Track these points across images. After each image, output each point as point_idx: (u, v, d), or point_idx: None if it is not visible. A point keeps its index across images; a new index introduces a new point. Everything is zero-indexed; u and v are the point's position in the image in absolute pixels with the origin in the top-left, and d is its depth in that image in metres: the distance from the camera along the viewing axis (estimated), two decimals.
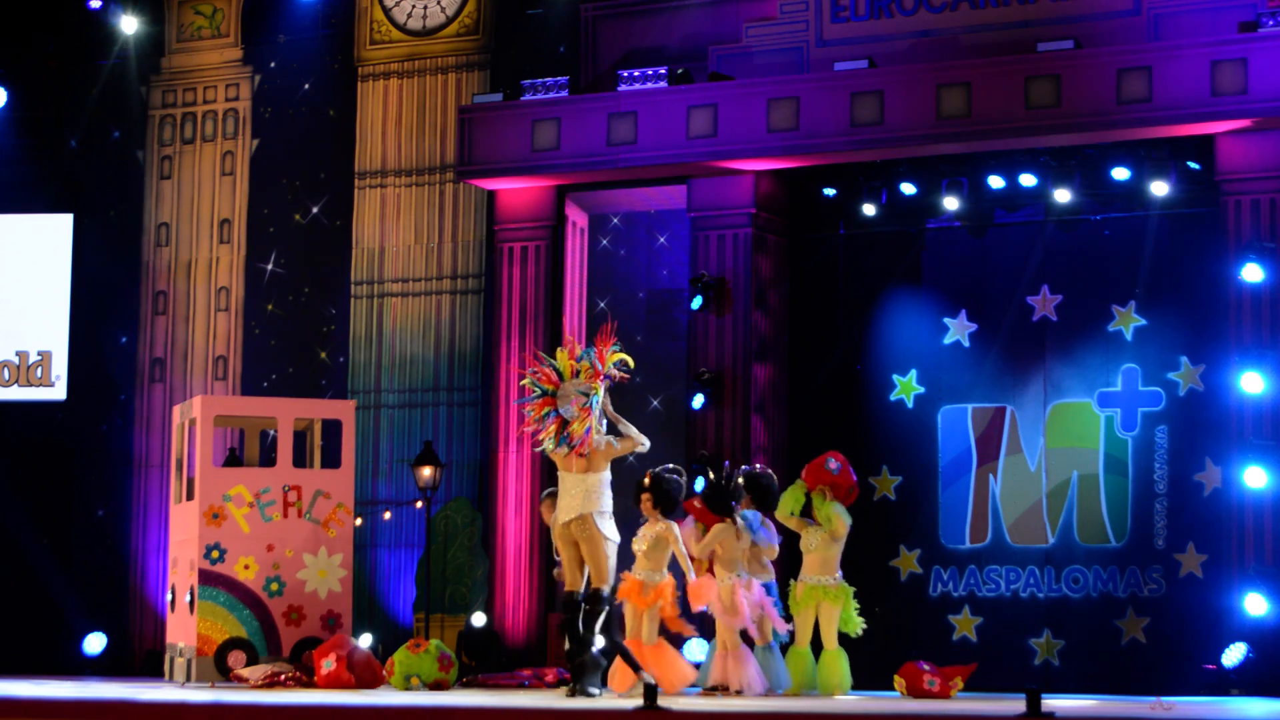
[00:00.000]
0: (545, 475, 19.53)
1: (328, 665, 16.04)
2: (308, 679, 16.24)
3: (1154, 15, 17.91)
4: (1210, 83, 17.20)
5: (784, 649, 15.69)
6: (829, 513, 15.58)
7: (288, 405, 18.02)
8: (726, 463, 16.12)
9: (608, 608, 14.50)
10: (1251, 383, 17.18)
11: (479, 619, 19.45)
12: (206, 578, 16.84)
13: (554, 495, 15.09)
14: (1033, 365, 18.73)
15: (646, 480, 15.03)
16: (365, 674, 16.24)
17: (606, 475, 14.60)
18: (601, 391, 14.54)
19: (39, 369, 22.22)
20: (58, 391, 22.20)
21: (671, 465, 15.31)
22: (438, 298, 21.18)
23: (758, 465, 16.59)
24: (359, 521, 19.16)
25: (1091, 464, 18.35)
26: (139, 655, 21.39)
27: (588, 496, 14.43)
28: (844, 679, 15.50)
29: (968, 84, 18.03)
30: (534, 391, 14.58)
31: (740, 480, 15.57)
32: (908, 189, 18.94)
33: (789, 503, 15.76)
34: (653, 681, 14.06)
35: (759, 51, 19.29)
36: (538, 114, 19.49)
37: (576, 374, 14.56)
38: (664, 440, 19.75)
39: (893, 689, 15.76)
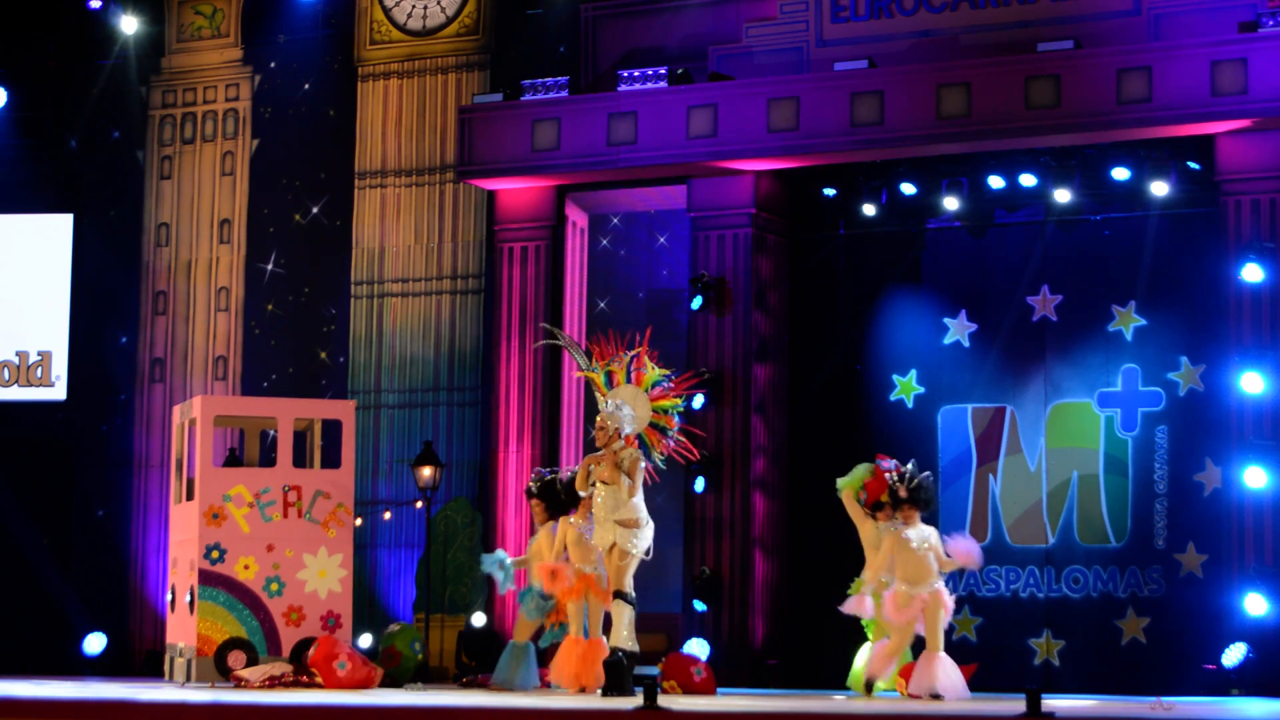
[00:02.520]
0: None
1: (342, 666, 16.02)
2: (309, 680, 16.22)
3: (1154, 15, 17.90)
4: (1210, 83, 17.20)
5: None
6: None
7: (288, 405, 18.00)
8: (910, 464, 15.57)
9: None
10: (1251, 383, 17.18)
11: (479, 619, 19.44)
12: (206, 578, 16.83)
13: None
14: (1033, 365, 18.73)
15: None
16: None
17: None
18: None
19: (39, 369, 22.22)
20: (58, 391, 22.19)
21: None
22: (438, 298, 21.18)
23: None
24: (359, 521, 19.15)
25: (1091, 464, 18.36)
26: (139, 655, 21.39)
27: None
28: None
29: (968, 84, 18.02)
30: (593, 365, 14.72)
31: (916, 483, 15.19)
32: (908, 189, 18.94)
33: (854, 482, 15.57)
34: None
35: (759, 51, 19.29)
36: (538, 114, 19.49)
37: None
38: None
39: (893, 689, 15.75)
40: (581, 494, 15.06)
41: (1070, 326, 18.64)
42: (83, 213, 22.59)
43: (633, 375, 14.68)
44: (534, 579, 16.04)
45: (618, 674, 14.18)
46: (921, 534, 14.97)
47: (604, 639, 15.09)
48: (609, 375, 14.68)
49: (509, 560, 16.70)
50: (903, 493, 14.98)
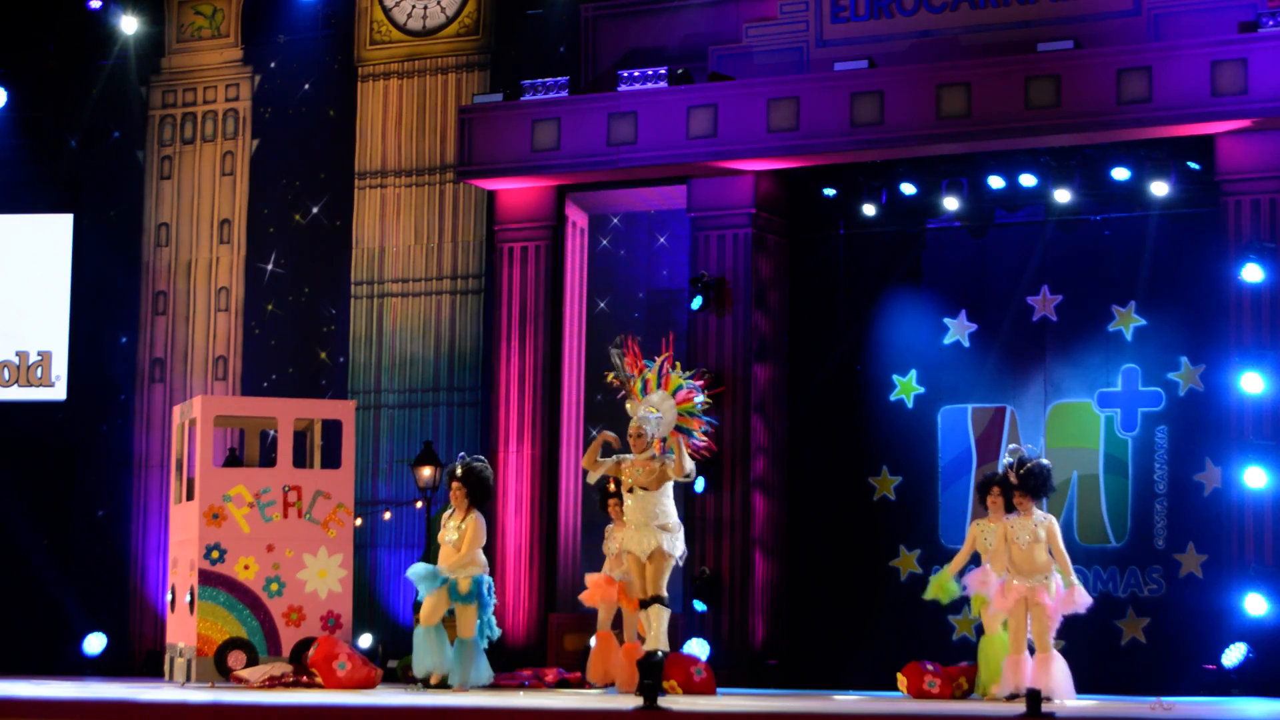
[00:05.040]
0: (545, 476, 19.54)
1: (342, 666, 16.02)
2: (309, 680, 16.22)
3: (1154, 15, 17.90)
4: (1210, 83, 17.20)
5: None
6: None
7: (288, 405, 17.99)
8: (1027, 447, 14.98)
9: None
10: (1251, 383, 17.18)
11: None
12: (206, 578, 16.82)
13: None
14: (1033, 365, 18.73)
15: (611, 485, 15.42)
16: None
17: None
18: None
19: (39, 369, 22.22)
20: (58, 391, 22.19)
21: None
22: (438, 298, 21.18)
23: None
24: (359, 521, 19.15)
25: (1091, 464, 18.35)
26: (139, 655, 21.39)
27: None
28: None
29: (968, 84, 18.02)
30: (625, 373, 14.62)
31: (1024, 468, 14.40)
32: (908, 189, 18.94)
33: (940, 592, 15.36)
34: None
35: (759, 51, 19.29)
36: (538, 114, 19.49)
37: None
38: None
39: (895, 689, 15.77)
40: (591, 473, 14.87)
41: (1070, 326, 18.64)
42: (83, 213, 22.59)
43: (662, 380, 14.69)
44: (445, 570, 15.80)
45: (656, 674, 14.19)
46: (1030, 526, 14.21)
47: (640, 643, 15.15)
48: (644, 382, 14.66)
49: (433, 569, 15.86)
50: (1013, 478, 14.27)
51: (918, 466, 19.10)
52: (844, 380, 19.47)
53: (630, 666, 15.08)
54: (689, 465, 14.37)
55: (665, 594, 14.53)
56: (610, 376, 14.83)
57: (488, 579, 15.73)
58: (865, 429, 19.33)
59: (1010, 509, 14.61)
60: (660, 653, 14.31)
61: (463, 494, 15.62)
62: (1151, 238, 18.32)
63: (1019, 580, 14.16)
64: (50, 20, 22.91)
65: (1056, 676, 14.10)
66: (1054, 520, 14.39)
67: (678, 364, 14.76)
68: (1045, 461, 14.49)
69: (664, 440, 14.54)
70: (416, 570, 15.78)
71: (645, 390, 14.60)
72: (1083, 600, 14.28)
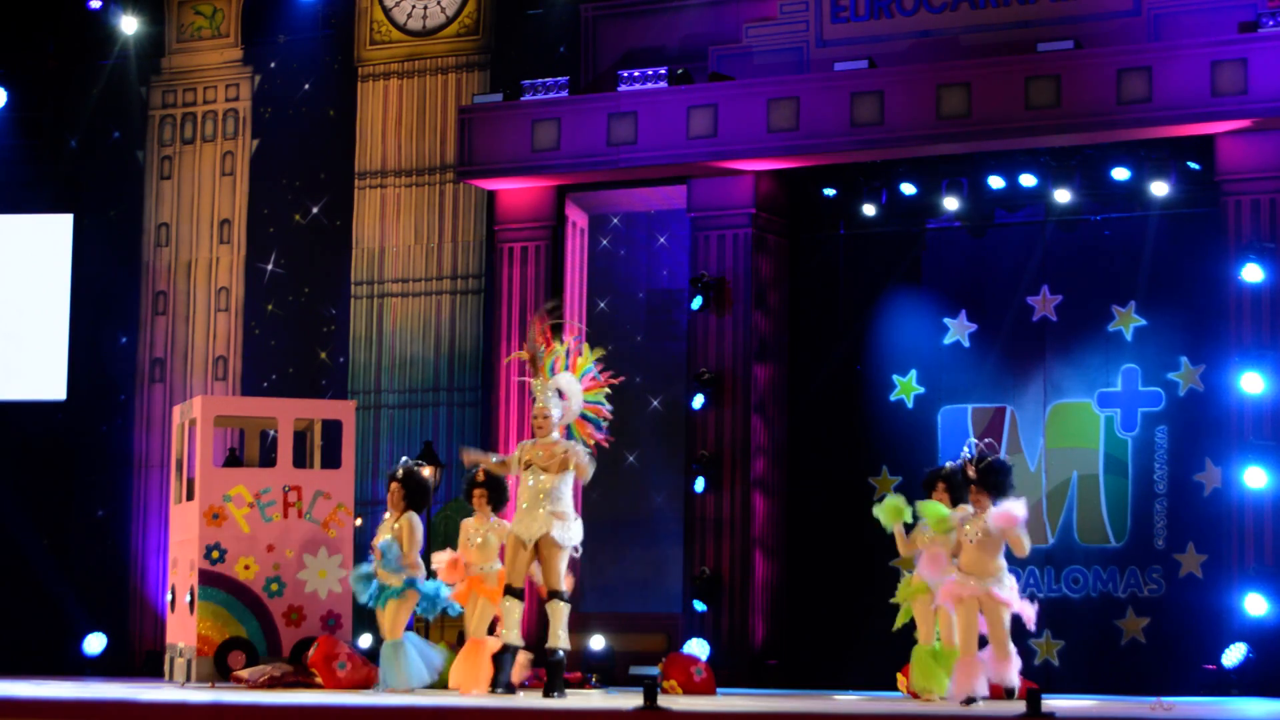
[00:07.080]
0: None
1: (342, 666, 16.02)
2: (309, 680, 16.22)
3: (1154, 15, 17.91)
4: (1210, 83, 17.20)
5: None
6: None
7: (288, 405, 18.00)
8: (985, 442, 14.33)
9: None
10: (1251, 383, 17.19)
11: None
12: (206, 578, 16.82)
13: None
14: (1033, 365, 18.74)
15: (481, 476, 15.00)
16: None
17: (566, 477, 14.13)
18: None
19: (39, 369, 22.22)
20: (58, 391, 22.18)
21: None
22: (438, 298, 21.18)
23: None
24: (359, 522, 19.14)
25: (1091, 464, 18.36)
26: (139, 655, 21.39)
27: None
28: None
29: (968, 84, 18.03)
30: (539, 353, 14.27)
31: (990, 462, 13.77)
32: (908, 189, 18.95)
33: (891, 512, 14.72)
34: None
35: (759, 51, 19.30)
36: (538, 114, 19.49)
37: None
38: (664, 441, 19.77)
39: (895, 689, 15.77)
40: (510, 472, 14.39)
41: (1070, 326, 18.64)
42: (83, 213, 22.59)
43: (569, 362, 14.22)
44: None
45: (559, 673, 14.00)
46: (982, 523, 13.51)
47: (488, 639, 14.78)
48: (552, 362, 14.21)
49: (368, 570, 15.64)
50: (971, 473, 13.65)
51: (918, 466, 19.00)
52: (844, 380, 19.47)
53: (476, 662, 14.61)
54: (590, 471, 13.98)
55: (564, 589, 14.07)
56: (520, 352, 14.47)
57: (418, 574, 15.37)
58: (865, 429, 19.33)
59: (957, 502, 14.20)
60: (561, 651, 13.99)
61: (400, 495, 15.39)
62: (1151, 238, 18.33)
63: (974, 581, 13.58)
64: (50, 20, 22.91)
65: (1013, 670, 13.63)
66: (999, 512, 13.57)
67: (586, 346, 14.40)
68: (1005, 459, 13.99)
69: (568, 427, 14.11)
70: (357, 573, 15.61)
71: (553, 370, 14.19)
72: (1002, 598, 13.63)
